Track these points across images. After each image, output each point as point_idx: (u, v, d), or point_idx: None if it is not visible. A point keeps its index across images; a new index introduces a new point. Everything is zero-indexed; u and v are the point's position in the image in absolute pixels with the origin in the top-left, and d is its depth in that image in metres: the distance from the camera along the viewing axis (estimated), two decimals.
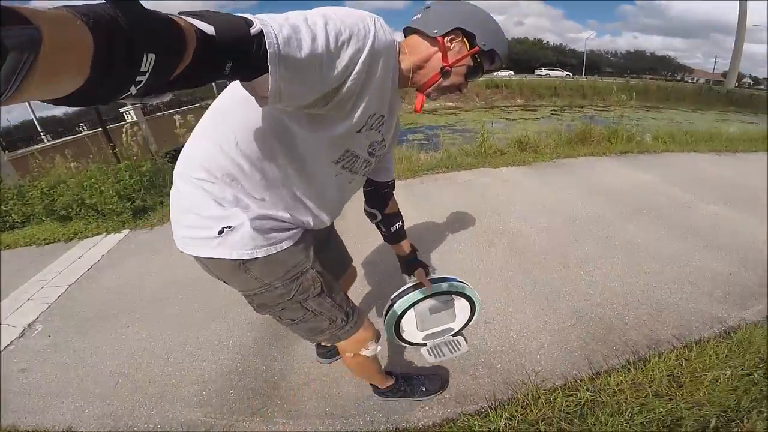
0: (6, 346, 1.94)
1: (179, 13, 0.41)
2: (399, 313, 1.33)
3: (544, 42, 74.72)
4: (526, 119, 11.68)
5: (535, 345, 1.65)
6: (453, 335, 1.52)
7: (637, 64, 73.26)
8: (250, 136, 0.76)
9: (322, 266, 1.01)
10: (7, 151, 8.10)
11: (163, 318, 2.05)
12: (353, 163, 0.88)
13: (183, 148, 0.86)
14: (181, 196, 0.83)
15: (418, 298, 1.31)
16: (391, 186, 1.17)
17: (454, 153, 4.60)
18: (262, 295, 0.88)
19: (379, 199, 1.19)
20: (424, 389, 1.43)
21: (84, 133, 10.03)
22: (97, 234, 3.41)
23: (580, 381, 1.44)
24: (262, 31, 0.48)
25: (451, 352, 1.49)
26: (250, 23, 0.48)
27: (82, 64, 0.30)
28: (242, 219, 0.79)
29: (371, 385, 1.42)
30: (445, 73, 0.82)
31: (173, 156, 4.01)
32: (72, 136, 10.23)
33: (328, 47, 0.57)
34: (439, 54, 0.81)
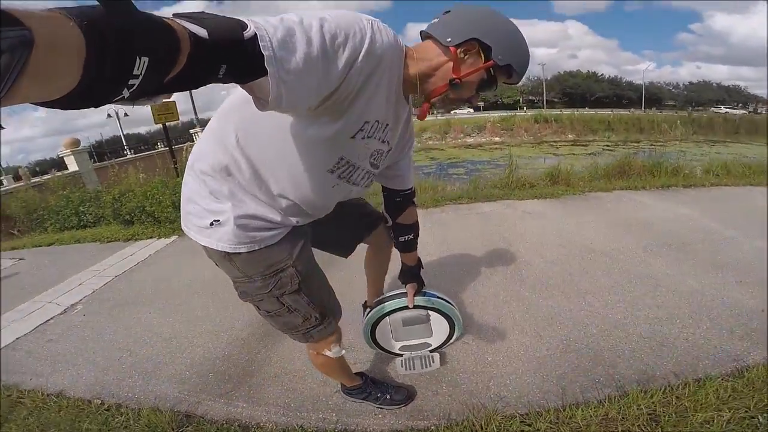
0: (47, 321, 2.29)
1: (173, 15, 0.42)
2: (374, 321, 1.39)
3: (599, 75, 70.36)
4: (575, 154, 11.18)
5: (509, 370, 1.59)
6: (431, 351, 1.53)
7: (704, 95, 66.21)
8: (248, 135, 0.80)
9: (339, 230, 1.09)
10: (94, 161, 9.53)
11: (181, 309, 2.28)
12: (351, 173, 0.87)
13: (196, 143, 0.92)
14: (186, 186, 0.91)
15: (393, 308, 1.36)
16: (405, 196, 1.15)
17: (480, 184, 4.58)
18: (243, 284, 0.95)
19: (393, 207, 1.17)
20: (388, 397, 1.43)
21: (158, 149, 11.49)
22: (151, 237, 3.87)
23: (545, 411, 1.36)
24: (256, 34, 0.48)
25: (423, 368, 1.50)
26: (244, 26, 0.48)
27: (74, 66, 0.29)
28: (229, 216, 0.84)
29: (341, 383, 1.45)
30: (454, 85, 0.77)
31: None
32: (146, 152, 11.80)
33: (324, 50, 0.57)
34: (451, 64, 0.76)
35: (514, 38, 0.78)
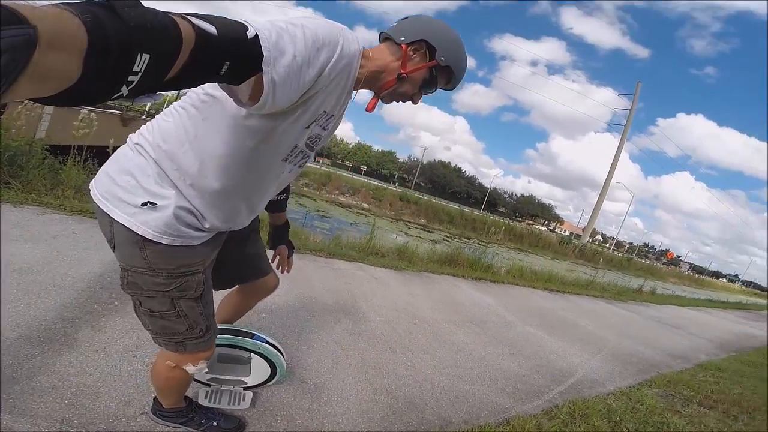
0: None
1: (182, 14, 0.42)
2: None
3: (463, 171, 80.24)
4: (421, 238, 13.13)
5: (341, 410, 1.74)
6: (244, 388, 1.50)
7: (526, 207, 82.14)
8: (204, 130, 0.80)
9: (234, 263, 1.10)
10: None
11: None
12: (297, 157, 0.91)
13: (153, 120, 0.89)
14: (126, 157, 0.84)
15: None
16: None
17: (342, 243, 5.01)
18: (139, 276, 0.88)
19: None
20: (215, 425, 1.31)
21: None
22: None
23: None
24: (256, 34, 0.52)
25: (230, 404, 1.44)
26: (245, 27, 0.51)
27: (76, 63, 0.29)
28: (170, 203, 0.81)
29: (154, 402, 1.27)
30: (401, 79, 0.87)
31: (51, 150, 3.46)
32: None
33: (306, 52, 0.63)
34: (400, 62, 0.86)
35: (456, 46, 0.90)
